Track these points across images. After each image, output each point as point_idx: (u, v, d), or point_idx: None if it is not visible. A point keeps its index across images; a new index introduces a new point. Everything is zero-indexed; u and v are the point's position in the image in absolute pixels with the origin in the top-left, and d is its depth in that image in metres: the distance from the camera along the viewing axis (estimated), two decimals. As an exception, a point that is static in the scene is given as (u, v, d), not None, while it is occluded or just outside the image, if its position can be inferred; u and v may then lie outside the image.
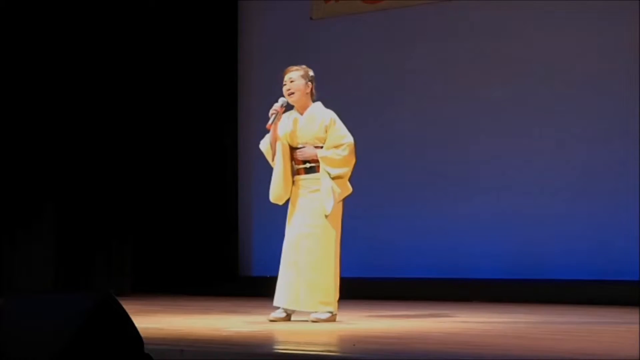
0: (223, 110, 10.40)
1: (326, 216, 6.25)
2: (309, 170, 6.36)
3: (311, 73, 6.47)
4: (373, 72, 9.62)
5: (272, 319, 6.31)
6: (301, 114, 6.44)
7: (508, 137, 8.95)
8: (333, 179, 6.26)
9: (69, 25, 9.76)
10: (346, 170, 6.32)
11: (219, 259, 10.24)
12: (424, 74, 9.39)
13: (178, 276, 10.24)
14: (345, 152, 6.30)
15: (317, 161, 6.32)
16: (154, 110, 10.56)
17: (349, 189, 6.37)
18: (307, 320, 6.22)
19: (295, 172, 6.42)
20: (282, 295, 6.29)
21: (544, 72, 8.80)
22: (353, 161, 6.36)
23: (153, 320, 6.45)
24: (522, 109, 8.89)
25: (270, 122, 6.36)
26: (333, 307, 6.27)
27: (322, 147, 6.34)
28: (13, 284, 9.35)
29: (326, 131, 6.34)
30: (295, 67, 6.47)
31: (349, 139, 6.33)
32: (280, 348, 4.97)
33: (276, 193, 6.43)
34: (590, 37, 8.62)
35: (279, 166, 6.40)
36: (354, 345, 4.96)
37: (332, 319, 6.26)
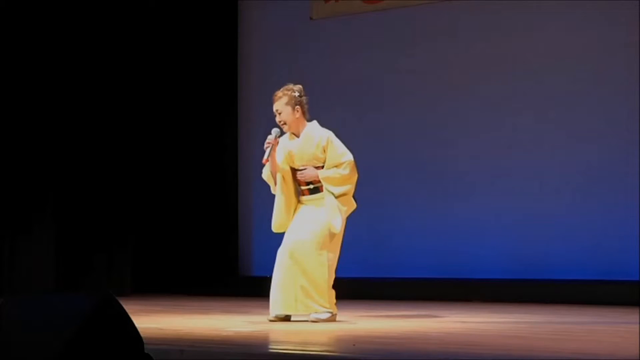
0: (223, 110, 10.40)
1: (334, 234, 6.24)
2: (313, 191, 6.37)
3: (296, 93, 6.35)
4: (373, 72, 9.61)
5: (271, 319, 6.30)
6: (297, 136, 6.44)
7: (508, 137, 8.94)
8: (337, 197, 6.26)
9: (69, 24, 9.76)
10: (349, 188, 6.32)
11: (219, 259, 10.24)
12: (424, 74, 9.38)
13: (178, 276, 10.24)
14: (346, 171, 6.29)
15: (319, 181, 6.32)
16: (154, 110, 10.55)
17: (353, 205, 6.38)
18: (306, 320, 6.22)
19: (300, 193, 6.43)
20: (277, 301, 6.26)
21: (544, 72, 8.80)
22: (355, 178, 6.35)
23: (153, 320, 6.45)
24: (522, 109, 8.89)
25: (265, 156, 6.33)
26: (329, 308, 6.26)
27: (322, 167, 6.34)
28: (13, 284, 9.34)
29: (324, 151, 6.32)
30: (279, 94, 6.38)
31: (348, 157, 6.32)
32: (279, 348, 4.96)
33: (278, 223, 6.44)
34: (591, 37, 8.61)
35: (280, 197, 6.42)
36: (353, 345, 4.96)
37: (332, 318, 6.26)
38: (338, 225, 6.23)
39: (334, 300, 6.32)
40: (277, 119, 6.39)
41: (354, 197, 6.40)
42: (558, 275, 8.53)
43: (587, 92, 8.63)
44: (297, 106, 6.36)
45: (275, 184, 6.43)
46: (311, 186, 6.37)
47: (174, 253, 10.41)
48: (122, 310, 3.33)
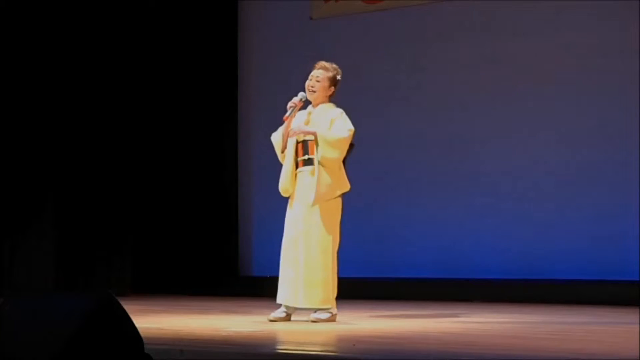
0: (223, 110, 10.40)
1: (336, 225, 6.26)
2: (306, 162, 6.36)
3: (339, 77, 6.45)
4: (373, 72, 9.62)
5: (272, 318, 6.31)
6: (314, 107, 6.48)
7: (508, 136, 8.95)
8: (321, 161, 6.22)
9: (69, 24, 9.76)
10: (336, 155, 6.25)
11: (219, 259, 10.24)
12: (423, 74, 9.39)
13: (178, 276, 10.24)
14: (343, 134, 6.28)
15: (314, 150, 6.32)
16: (154, 110, 10.55)
17: (345, 185, 6.34)
18: (307, 321, 6.22)
19: (296, 165, 6.42)
20: (283, 292, 6.31)
21: (544, 72, 8.80)
22: (346, 148, 6.29)
23: (153, 320, 6.45)
24: (522, 108, 8.90)
25: (287, 114, 6.39)
26: (332, 304, 6.27)
27: None
28: (13, 284, 9.34)
29: (331, 123, 6.34)
30: (326, 65, 6.43)
31: (350, 126, 6.32)
32: (280, 348, 4.97)
33: (285, 186, 6.42)
34: (591, 37, 8.62)
35: (290, 160, 6.40)
36: (354, 345, 4.96)
37: (332, 319, 6.26)
38: (311, 199, 6.23)
39: (336, 294, 6.31)
40: (310, 83, 6.40)
41: (350, 180, 6.36)
42: (558, 275, 8.54)
43: (587, 91, 8.63)
44: (333, 86, 6.43)
45: (285, 147, 6.43)
46: (306, 157, 6.35)
47: (174, 253, 10.40)
48: (122, 310, 3.33)
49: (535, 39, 8.86)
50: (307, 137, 6.36)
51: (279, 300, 6.34)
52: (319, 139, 6.26)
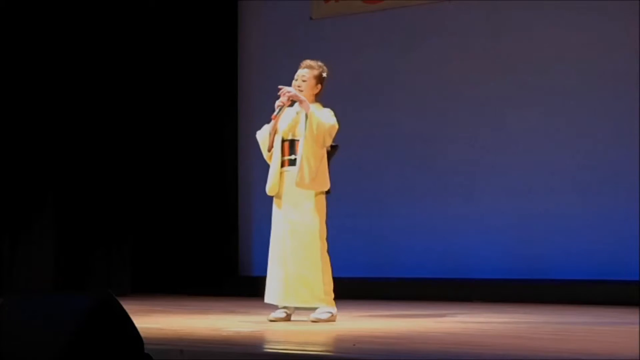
0: (223, 110, 10.40)
1: (323, 225, 6.27)
2: (292, 162, 6.36)
3: (325, 74, 6.47)
4: (373, 71, 9.62)
5: (272, 319, 6.31)
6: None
7: (508, 136, 8.95)
8: (307, 136, 6.22)
9: (69, 24, 9.76)
10: (319, 133, 6.24)
11: (219, 259, 10.24)
12: (423, 74, 9.39)
13: (178, 276, 10.24)
14: (330, 120, 6.28)
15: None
16: (154, 110, 10.55)
17: (325, 183, 6.34)
18: (306, 320, 6.22)
19: (281, 164, 6.42)
20: (272, 291, 6.32)
21: (544, 71, 8.81)
22: (327, 138, 6.29)
23: (153, 320, 6.45)
24: (522, 108, 8.90)
25: (275, 113, 6.39)
26: (325, 302, 6.26)
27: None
28: (13, 284, 9.34)
29: None
30: (312, 64, 6.45)
31: (336, 122, 6.33)
32: (279, 348, 4.97)
33: (272, 185, 6.42)
34: (592, 36, 8.62)
35: (277, 159, 6.41)
36: (353, 345, 4.96)
37: (332, 319, 6.26)
38: (295, 180, 6.26)
39: (331, 292, 6.30)
40: (297, 83, 6.43)
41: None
42: (558, 275, 8.54)
43: (587, 91, 8.64)
44: (320, 84, 6.45)
45: (271, 147, 6.44)
46: (292, 156, 6.36)
47: (174, 253, 10.40)
48: (122, 310, 3.33)
49: (535, 39, 8.86)
50: (295, 137, 6.36)
51: (267, 299, 6.35)
52: (309, 113, 6.27)
